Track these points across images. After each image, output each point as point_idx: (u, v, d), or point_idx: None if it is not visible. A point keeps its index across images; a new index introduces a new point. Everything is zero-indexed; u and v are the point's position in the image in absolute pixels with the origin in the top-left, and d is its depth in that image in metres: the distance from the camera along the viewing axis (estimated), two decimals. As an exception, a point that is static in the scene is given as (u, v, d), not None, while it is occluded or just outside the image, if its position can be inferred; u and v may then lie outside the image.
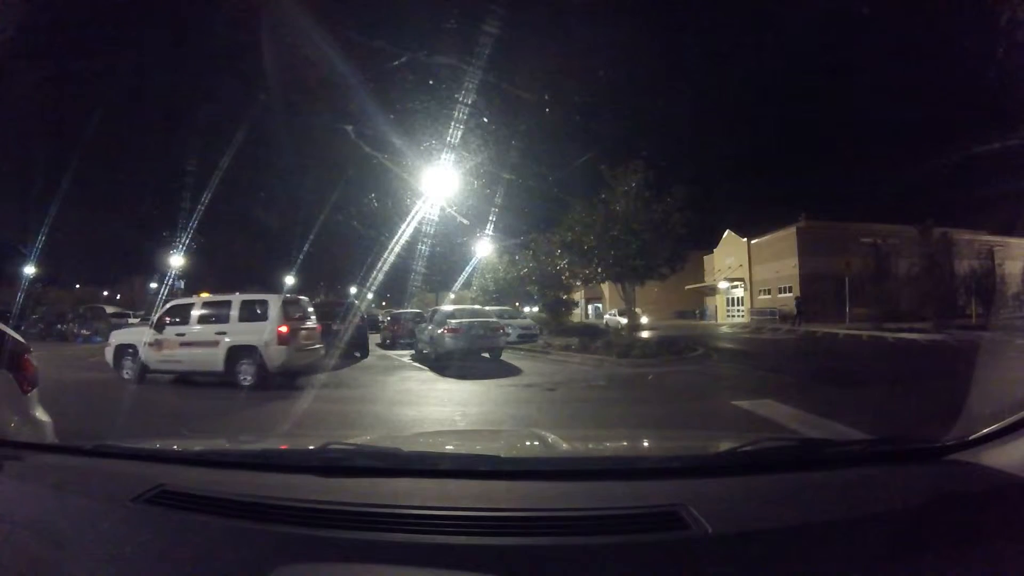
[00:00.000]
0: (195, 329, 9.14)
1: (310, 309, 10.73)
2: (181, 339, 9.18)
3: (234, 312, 9.19)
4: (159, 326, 9.40)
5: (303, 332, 9.54)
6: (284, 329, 8.89)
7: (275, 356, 8.78)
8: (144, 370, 9.36)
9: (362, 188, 22.25)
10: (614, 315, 29.43)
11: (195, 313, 9.34)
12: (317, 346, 10.31)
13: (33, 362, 2.94)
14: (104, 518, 1.24)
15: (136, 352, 9.43)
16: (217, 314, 9.28)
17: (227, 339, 8.92)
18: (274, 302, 9.27)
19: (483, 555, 0.98)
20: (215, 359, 8.88)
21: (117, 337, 9.99)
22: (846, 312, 24.03)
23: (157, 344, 9.26)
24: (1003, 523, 1.10)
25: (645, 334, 20.11)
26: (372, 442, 1.92)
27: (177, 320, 9.36)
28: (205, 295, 11.47)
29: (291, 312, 9.48)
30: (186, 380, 9.31)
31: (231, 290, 11.79)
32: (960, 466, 1.28)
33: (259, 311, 9.15)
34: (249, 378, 8.72)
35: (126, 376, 9.49)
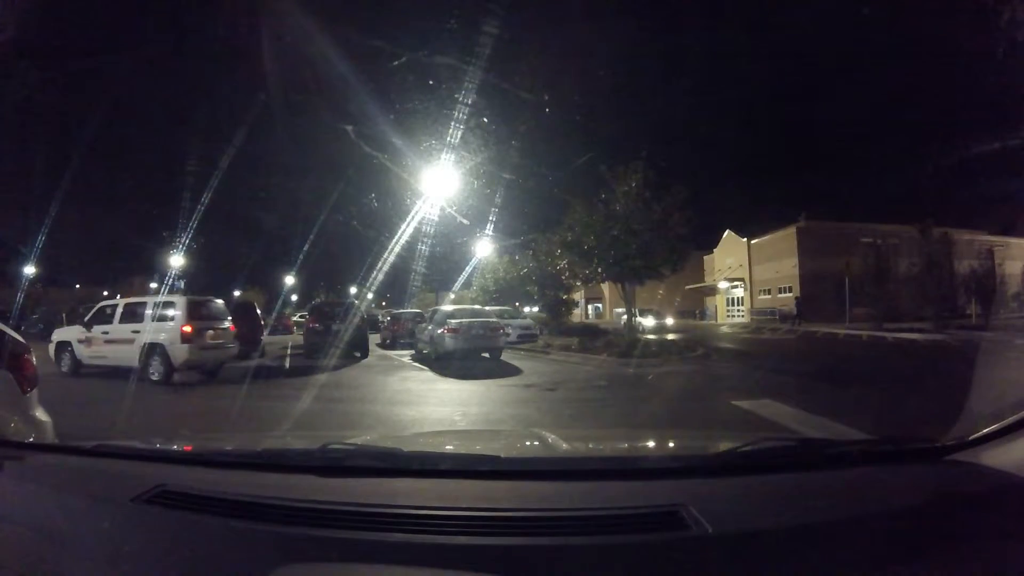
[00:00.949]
0: (117, 328, 10.04)
1: (224, 310, 11.39)
2: (106, 337, 10.08)
3: (148, 312, 10.04)
4: (88, 325, 10.31)
5: (210, 332, 10.17)
6: (188, 329, 9.61)
7: (178, 353, 9.51)
8: (78, 365, 10.28)
9: (362, 188, 22.23)
10: (635, 315, 28.24)
11: (118, 313, 10.26)
12: (229, 345, 10.91)
13: (33, 362, 2.94)
14: (104, 518, 1.24)
15: (72, 348, 10.35)
16: (135, 314, 10.14)
17: (141, 337, 9.75)
18: (180, 303, 10.02)
19: (483, 555, 0.98)
20: (132, 355, 9.66)
21: (57, 335, 10.90)
22: (846, 312, 24.03)
23: (87, 341, 10.22)
24: (1003, 523, 1.10)
25: (671, 336, 19.19)
26: (372, 442, 1.92)
27: (104, 320, 10.29)
28: (129, 298, 12.39)
29: (198, 313, 10.15)
30: (183, 380, 9.51)
31: (230, 291, 12.29)
32: (960, 466, 1.28)
33: (168, 312, 9.91)
34: (157, 374, 9.45)
35: (63, 370, 10.34)
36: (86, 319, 10.52)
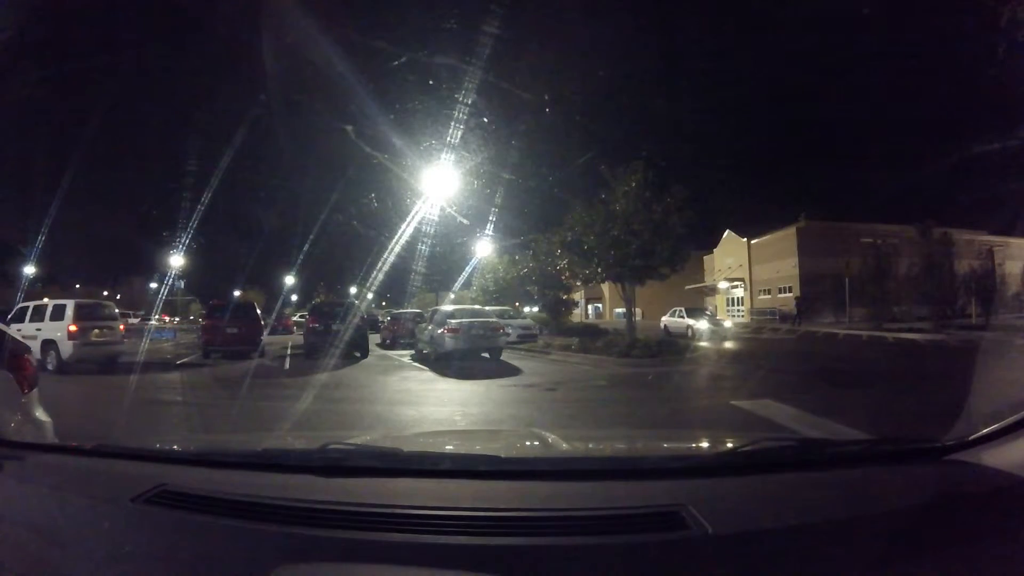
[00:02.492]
0: (27, 326, 11.37)
1: (113, 312, 13.08)
2: (20, 333, 11.10)
3: (48, 312, 11.70)
4: (8, 323, 11.93)
5: (95, 331, 11.80)
6: (73, 328, 11.29)
7: (66, 349, 11.11)
8: None
9: (362, 188, 22.25)
10: (681, 316, 21.63)
11: (28, 313, 11.95)
12: (115, 342, 12.48)
13: (32, 362, 2.95)
14: (104, 518, 1.24)
15: None
16: (39, 314, 11.80)
17: (41, 334, 11.22)
18: (70, 306, 11.73)
19: (483, 555, 0.98)
20: (35, 349, 10.61)
21: None
22: (846, 312, 24.02)
23: None
24: (1003, 523, 1.10)
25: (729, 344, 16.21)
26: (372, 442, 1.92)
27: (20, 319, 11.75)
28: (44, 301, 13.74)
29: (86, 314, 11.84)
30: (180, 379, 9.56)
31: (229, 290, 12.99)
32: (960, 466, 1.28)
33: (61, 313, 11.55)
34: (52, 365, 10.94)
35: None
36: (8, 318, 11.65)
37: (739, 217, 37.82)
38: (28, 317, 11.78)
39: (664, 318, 22.82)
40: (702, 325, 19.50)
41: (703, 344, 16.18)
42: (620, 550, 0.99)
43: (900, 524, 1.06)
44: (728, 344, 16.65)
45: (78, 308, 11.76)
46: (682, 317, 21.31)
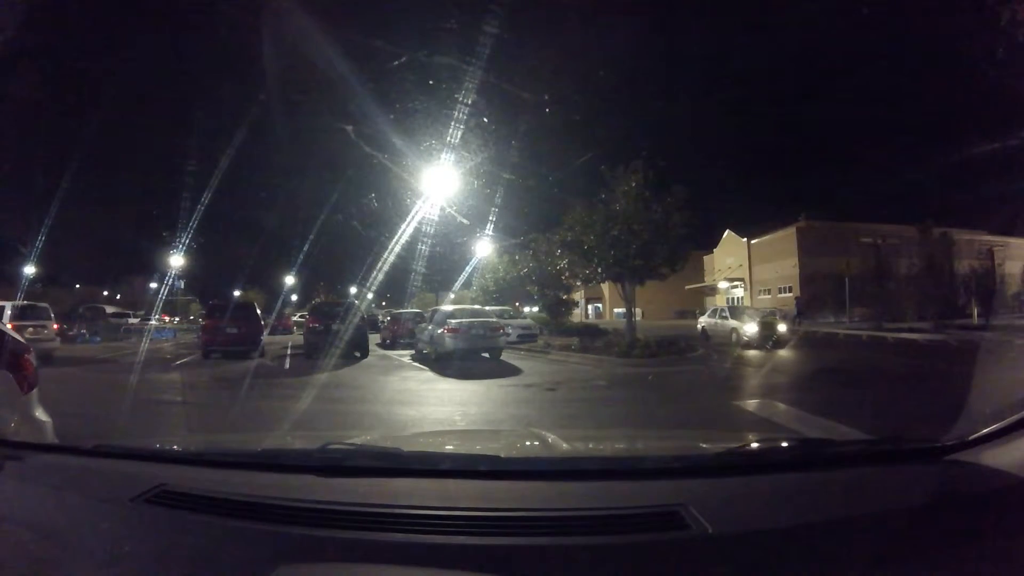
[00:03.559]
0: None
1: (47, 312, 14.17)
2: None
3: None
4: None
5: (29, 329, 12.61)
6: (9, 327, 11.77)
7: None
8: None
9: (362, 188, 22.21)
10: (724, 317, 17.90)
11: None
12: (48, 341, 13.30)
13: (33, 362, 2.94)
14: (104, 518, 1.24)
15: None
16: None
17: None
18: (8, 307, 13.10)
19: (483, 555, 0.98)
20: None
21: None
22: (846, 312, 24.03)
23: None
24: (1003, 523, 1.10)
25: (784, 352, 13.32)
26: (372, 442, 1.92)
27: None
28: None
29: (21, 314, 13.12)
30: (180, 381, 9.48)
31: (229, 290, 13.17)
32: (960, 466, 1.28)
33: (0, 313, 12.50)
34: None
35: None
36: None
37: (739, 217, 37.92)
38: None
39: (702, 319, 19.60)
40: (751, 328, 15.30)
41: (702, 344, 16.15)
42: (620, 550, 0.99)
43: (900, 524, 1.06)
44: (723, 343, 16.60)
45: (14, 309, 13.29)
46: (725, 318, 17.57)
